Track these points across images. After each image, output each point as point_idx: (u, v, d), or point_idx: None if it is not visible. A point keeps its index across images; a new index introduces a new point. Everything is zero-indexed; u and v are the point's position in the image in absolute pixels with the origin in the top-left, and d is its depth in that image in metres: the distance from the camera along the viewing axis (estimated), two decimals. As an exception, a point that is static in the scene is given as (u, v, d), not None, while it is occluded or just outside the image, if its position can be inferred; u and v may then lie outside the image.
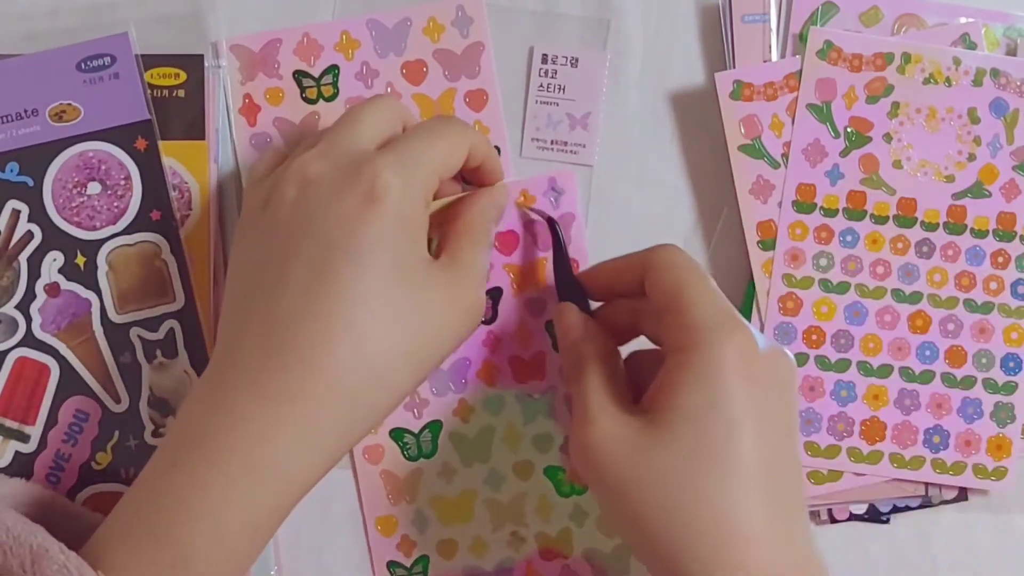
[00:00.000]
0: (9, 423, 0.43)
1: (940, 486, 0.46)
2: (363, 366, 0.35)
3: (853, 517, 0.46)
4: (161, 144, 0.44)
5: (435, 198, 0.40)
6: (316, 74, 0.46)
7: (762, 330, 0.46)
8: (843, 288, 0.46)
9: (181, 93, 0.44)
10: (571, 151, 0.46)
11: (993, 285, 0.46)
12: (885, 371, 0.46)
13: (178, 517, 0.33)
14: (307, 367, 0.34)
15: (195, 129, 0.44)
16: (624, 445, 0.35)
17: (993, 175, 0.46)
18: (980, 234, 0.46)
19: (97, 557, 0.33)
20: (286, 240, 0.36)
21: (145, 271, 0.44)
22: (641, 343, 0.41)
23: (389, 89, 0.46)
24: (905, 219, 0.46)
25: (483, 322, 0.45)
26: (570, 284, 0.42)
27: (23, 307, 0.43)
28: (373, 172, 0.36)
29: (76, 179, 0.44)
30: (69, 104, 0.44)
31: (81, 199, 0.44)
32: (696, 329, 0.35)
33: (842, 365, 0.46)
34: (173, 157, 0.44)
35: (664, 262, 0.37)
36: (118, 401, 0.44)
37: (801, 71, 0.46)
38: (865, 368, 0.46)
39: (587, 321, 0.40)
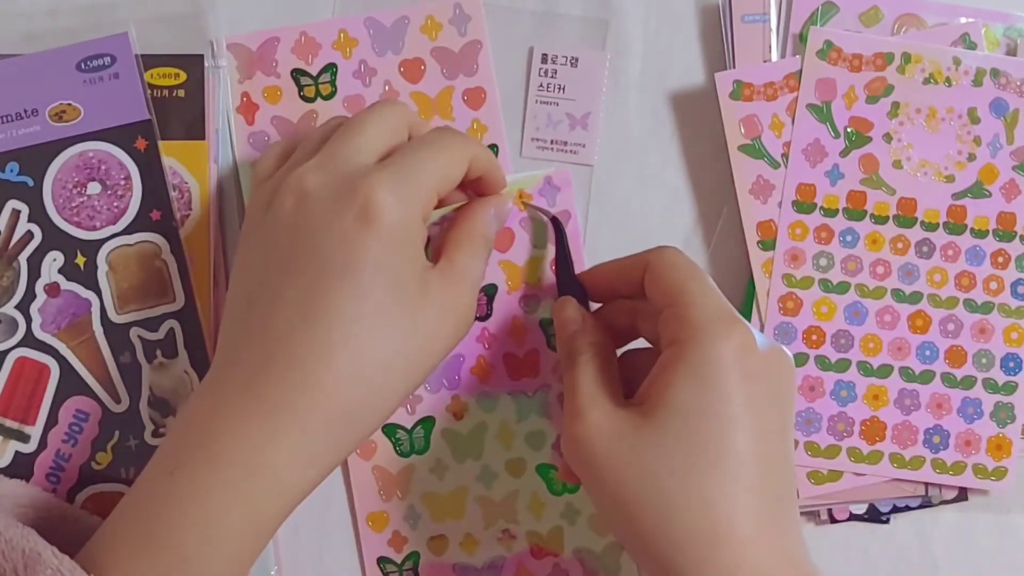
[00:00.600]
0: (9, 423, 0.43)
1: (940, 486, 0.46)
2: (359, 381, 0.35)
3: (853, 517, 0.46)
4: (161, 144, 0.44)
5: (437, 206, 0.40)
6: (314, 72, 0.46)
7: (762, 330, 0.46)
8: (843, 288, 0.46)
9: (181, 93, 0.44)
10: (571, 151, 0.46)
11: (993, 285, 0.46)
12: (885, 371, 0.46)
13: (176, 522, 0.33)
14: (304, 382, 0.34)
15: (195, 129, 0.44)
16: (615, 439, 0.35)
17: (993, 175, 0.46)
18: (980, 234, 0.46)
19: (94, 561, 0.33)
20: (285, 252, 0.36)
21: (145, 271, 0.44)
22: (639, 344, 0.41)
23: (387, 88, 0.46)
24: (905, 219, 0.46)
25: (478, 319, 0.45)
26: (571, 282, 0.42)
27: (23, 307, 0.43)
28: (368, 190, 0.35)
29: (76, 179, 0.44)
30: (69, 104, 0.44)
31: (81, 199, 0.44)
32: (695, 324, 0.35)
33: (842, 365, 0.46)
34: (173, 157, 0.44)
35: (664, 263, 0.38)
36: (118, 401, 0.44)
37: (801, 71, 0.46)
38: (865, 368, 0.46)
39: (585, 316, 0.40)
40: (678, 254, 0.38)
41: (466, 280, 0.39)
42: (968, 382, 0.46)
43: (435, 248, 0.41)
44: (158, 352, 0.44)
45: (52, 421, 0.43)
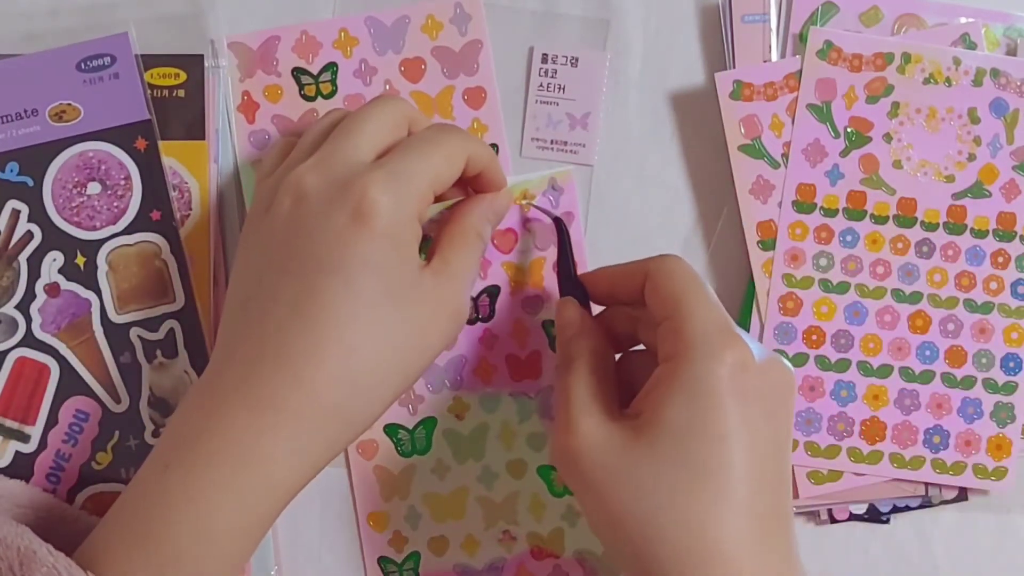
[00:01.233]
0: (9, 423, 0.43)
1: (940, 486, 0.46)
2: (350, 381, 0.35)
3: (853, 517, 0.46)
4: (161, 144, 0.44)
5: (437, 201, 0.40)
6: (315, 71, 0.46)
7: (762, 330, 0.46)
8: (843, 288, 0.46)
9: (181, 93, 0.44)
10: (571, 151, 0.46)
11: (993, 285, 0.46)
12: (885, 371, 0.46)
13: (169, 519, 0.33)
14: (296, 381, 0.35)
15: (195, 129, 0.44)
16: (606, 453, 0.34)
17: (993, 175, 0.46)
18: (980, 234, 0.46)
19: (89, 558, 0.33)
20: (282, 251, 0.36)
21: (145, 271, 0.44)
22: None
23: (387, 87, 0.46)
24: (905, 219, 0.46)
25: (480, 320, 0.45)
26: (573, 284, 0.42)
27: (23, 307, 0.43)
28: (362, 189, 0.35)
29: (76, 179, 0.44)
30: (69, 104, 0.44)
31: (81, 199, 0.44)
32: (690, 340, 0.34)
33: (842, 365, 0.46)
34: (173, 157, 0.44)
35: (665, 271, 0.37)
36: (118, 401, 0.44)
37: (801, 71, 0.46)
38: (865, 368, 0.46)
39: (585, 318, 0.40)
40: (678, 263, 0.37)
41: (459, 278, 0.39)
42: (968, 382, 0.46)
43: (432, 245, 0.41)
44: (158, 352, 0.44)
45: (52, 421, 0.43)
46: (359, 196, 0.35)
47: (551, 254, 0.46)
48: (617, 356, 0.41)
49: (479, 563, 0.45)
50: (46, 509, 0.40)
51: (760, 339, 0.46)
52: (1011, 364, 0.46)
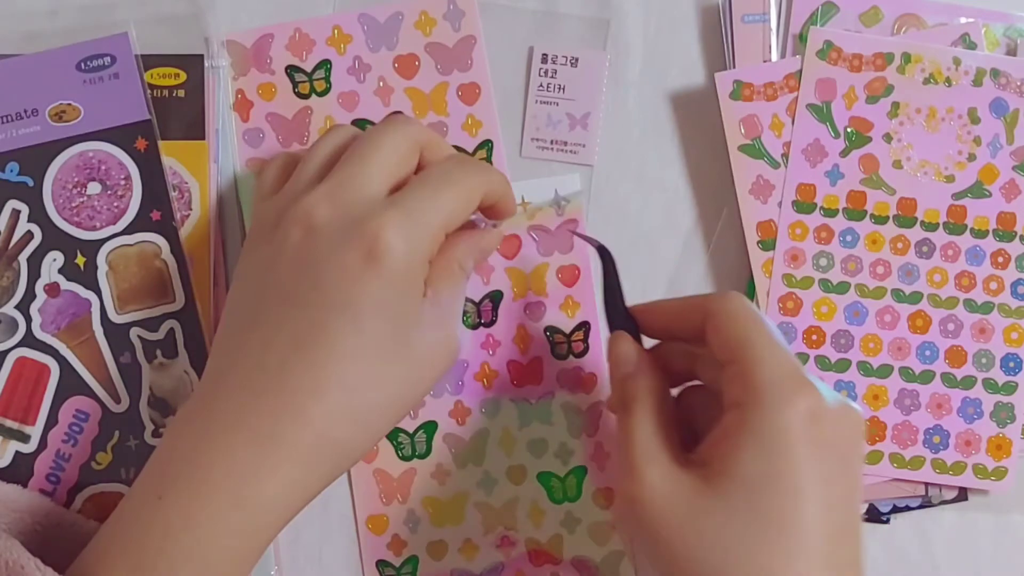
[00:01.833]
0: (9, 423, 0.43)
1: (940, 486, 0.46)
2: (351, 417, 0.35)
3: (853, 517, 0.46)
4: (161, 144, 0.44)
5: None
6: (308, 69, 0.46)
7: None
8: (843, 288, 0.46)
9: (181, 93, 0.44)
10: (571, 151, 0.46)
11: (993, 285, 0.46)
12: (885, 371, 0.46)
13: (166, 549, 0.33)
14: (298, 416, 0.34)
15: (195, 129, 0.44)
16: (676, 504, 0.33)
17: (993, 175, 0.46)
18: (980, 234, 0.46)
19: None
20: (287, 283, 0.36)
21: (145, 271, 0.44)
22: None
23: (381, 83, 0.46)
24: (905, 219, 0.46)
25: (483, 325, 0.45)
26: (623, 317, 0.40)
27: (23, 307, 0.43)
28: (377, 230, 0.35)
29: (76, 179, 0.44)
30: (69, 104, 0.44)
31: (81, 199, 0.44)
32: (760, 387, 0.33)
33: (842, 365, 0.46)
34: (173, 157, 0.44)
35: (729, 312, 0.35)
36: (118, 401, 0.44)
37: (801, 71, 0.46)
38: (865, 368, 0.46)
39: (642, 355, 0.38)
40: (742, 303, 0.36)
41: (452, 313, 0.39)
42: (968, 382, 0.46)
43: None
44: (158, 352, 0.44)
45: (52, 421, 0.43)
46: (373, 237, 0.35)
47: (555, 260, 0.46)
48: (674, 391, 0.39)
49: (477, 568, 0.45)
50: (43, 514, 0.40)
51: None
52: (1011, 364, 0.46)
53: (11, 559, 0.33)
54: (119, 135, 0.44)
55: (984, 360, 0.46)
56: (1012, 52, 0.46)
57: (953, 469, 0.46)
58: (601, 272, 0.41)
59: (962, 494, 0.47)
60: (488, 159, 0.46)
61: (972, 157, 0.46)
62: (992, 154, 0.46)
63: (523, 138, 0.47)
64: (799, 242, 0.46)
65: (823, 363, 0.46)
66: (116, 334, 0.44)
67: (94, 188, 0.44)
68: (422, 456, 0.45)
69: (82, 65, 0.44)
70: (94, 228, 0.44)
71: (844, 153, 0.46)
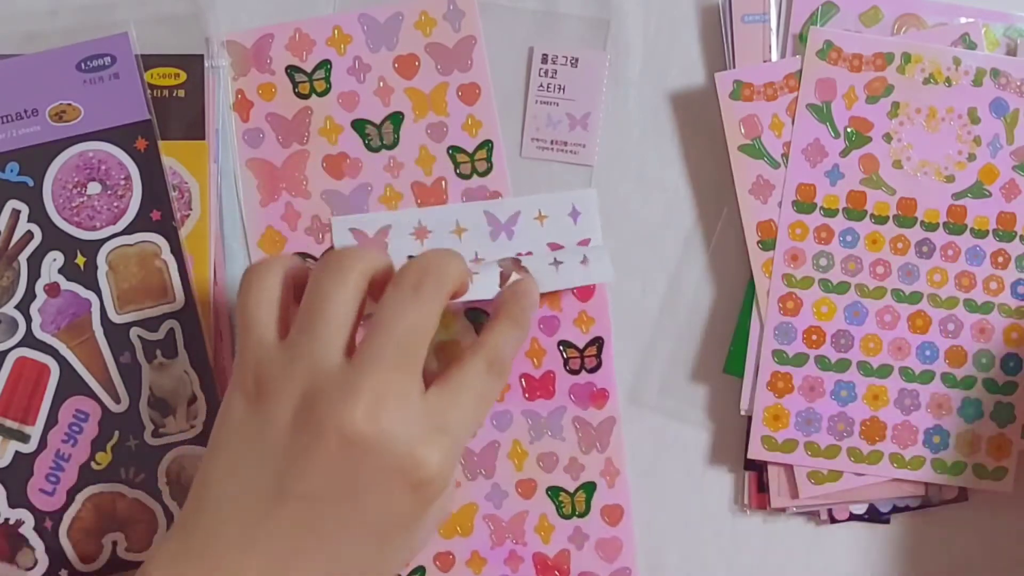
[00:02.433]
0: (9, 423, 0.43)
1: (940, 486, 0.46)
2: None
3: (853, 517, 0.46)
4: (161, 144, 0.44)
5: None
6: (308, 69, 0.46)
7: (762, 330, 0.46)
8: (843, 288, 0.46)
9: (181, 93, 0.44)
10: (571, 151, 0.46)
11: (993, 285, 0.46)
12: (885, 371, 0.46)
13: None
14: None
15: (195, 129, 0.44)
16: None
17: (993, 175, 0.46)
18: (980, 234, 0.46)
19: None
20: (316, 492, 0.34)
21: (145, 271, 0.44)
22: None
23: (381, 83, 0.46)
24: (905, 219, 0.46)
25: None
26: None
27: (23, 307, 0.43)
28: (423, 460, 0.35)
29: (76, 179, 0.44)
30: (69, 104, 0.44)
31: (81, 199, 0.44)
32: None
33: (842, 365, 0.46)
34: (173, 157, 0.44)
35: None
36: (118, 401, 0.44)
37: (801, 71, 0.46)
38: (865, 368, 0.46)
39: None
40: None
41: (449, 488, 0.38)
42: (968, 382, 0.46)
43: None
44: (158, 352, 0.44)
45: (52, 421, 0.43)
46: (419, 467, 0.35)
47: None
48: None
49: None
50: None
51: (760, 339, 0.46)
52: (1011, 364, 0.46)
53: None
54: (119, 135, 0.44)
55: (984, 360, 0.46)
56: (1012, 52, 0.46)
57: (953, 469, 0.46)
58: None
59: (962, 494, 0.46)
60: (488, 159, 0.46)
61: (972, 157, 0.46)
62: (992, 154, 0.46)
63: (523, 138, 0.47)
64: (799, 242, 0.46)
65: (823, 363, 0.46)
66: (116, 334, 0.44)
67: (94, 188, 0.44)
68: None
69: (82, 65, 0.44)
70: (94, 228, 0.44)
71: (844, 153, 0.46)
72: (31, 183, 0.44)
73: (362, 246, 0.41)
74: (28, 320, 0.43)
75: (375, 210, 0.46)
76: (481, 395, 0.37)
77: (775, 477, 0.46)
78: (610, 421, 0.45)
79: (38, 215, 0.44)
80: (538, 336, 0.46)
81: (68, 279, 0.44)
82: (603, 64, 0.47)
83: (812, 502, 0.46)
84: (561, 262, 0.44)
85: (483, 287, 0.41)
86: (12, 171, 0.44)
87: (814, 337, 0.46)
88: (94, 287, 0.44)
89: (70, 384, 0.43)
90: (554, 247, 0.45)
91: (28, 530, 0.43)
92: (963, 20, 0.46)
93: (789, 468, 0.46)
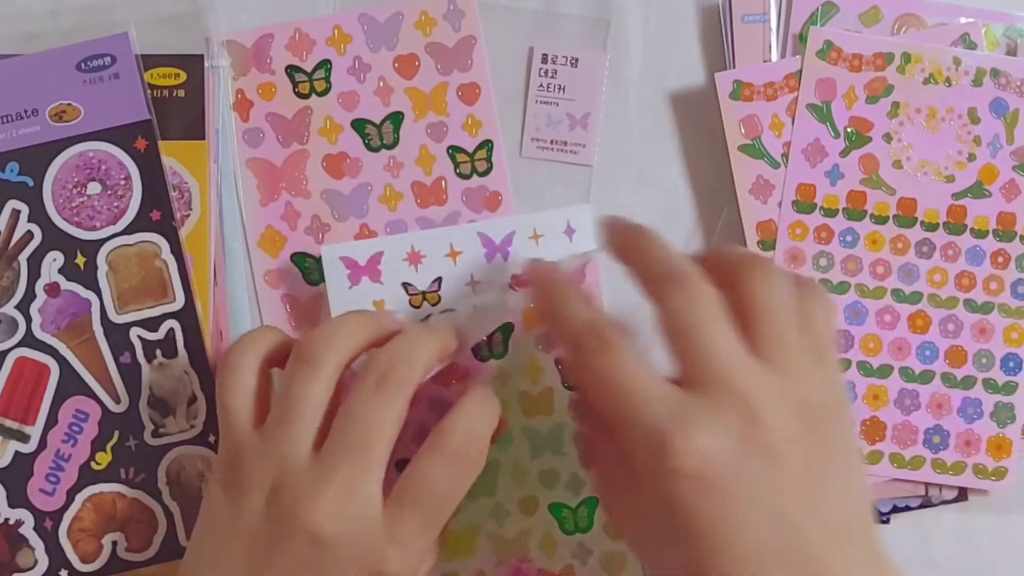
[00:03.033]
0: (9, 423, 0.43)
1: (940, 486, 0.46)
2: None
3: (853, 517, 0.46)
4: (161, 144, 0.44)
5: None
6: (308, 69, 0.46)
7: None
8: (843, 288, 0.46)
9: (181, 93, 0.44)
10: (571, 151, 0.46)
11: (993, 285, 0.46)
12: (885, 371, 0.46)
13: None
14: None
15: (195, 129, 0.44)
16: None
17: (993, 175, 0.46)
18: (980, 234, 0.46)
19: None
20: (252, 556, 0.35)
21: (145, 271, 0.44)
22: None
23: (381, 83, 0.46)
24: (905, 219, 0.46)
25: (493, 356, 0.45)
26: None
27: (23, 307, 0.43)
28: (382, 563, 0.35)
29: (76, 179, 0.44)
30: (69, 104, 0.44)
31: (81, 199, 0.44)
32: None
33: (842, 365, 0.46)
34: (173, 157, 0.44)
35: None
36: (118, 401, 0.44)
37: (801, 71, 0.46)
38: (865, 368, 0.46)
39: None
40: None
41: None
42: (968, 382, 0.46)
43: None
44: (158, 352, 0.44)
45: (52, 421, 0.43)
46: (379, 567, 0.35)
47: None
48: None
49: None
50: None
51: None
52: (1011, 364, 0.46)
53: None
54: (119, 135, 0.44)
55: (984, 360, 0.46)
56: (1012, 52, 0.46)
57: (953, 469, 0.46)
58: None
59: (962, 494, 0.47)
60: (488, 159, 0.46)
61: (972, 157, 0.46)
62: (992, 154, 0.46)
63: (523, 138, 0.47)
64: (799, 242, 0.46)
65: (823, 363, 0.46)
66: (116, 334, 0.44)
67: (94, 188, 0.44)
68: None
69: (82, 65, 0.44)
70: (94, 228, 0.44)
71: (844, 153, 0.46)
72: (31, 183, 0.44)
73: (344, 319, 0.38)
74: (28, 320, 0.43)
75: (375, 210, 0.46)
76: (445, 492, 0.36)
77: (775, 477, 0.46)
78: None
79: (38, 215, 0.44)
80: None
81: (68, 279, 0.44)
82: (603, 64, 0.47)
83: (812, 502, 0.46)
84: (541, 235, 0.43)
85: (491, 318, 0.41)
86: (12, 171, 0.44)
87: (814, 337, 0.46)
88: (94, 287, 0.44)
89: (70, 384, 0.43)
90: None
91: (28, 530, 0.43)
92: (963, 20, 0.46)
93: (789, 468, 0.46)
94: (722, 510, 0.31)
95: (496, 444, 0.42)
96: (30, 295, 0.43)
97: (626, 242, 0.37)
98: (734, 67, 0.46)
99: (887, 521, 0.46)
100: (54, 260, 0.44)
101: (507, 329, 0.45)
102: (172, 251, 0.44)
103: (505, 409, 0.42)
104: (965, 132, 0.46)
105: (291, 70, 0.46)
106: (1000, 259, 0.46)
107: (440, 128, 0.46)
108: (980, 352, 0.46)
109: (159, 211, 0.44)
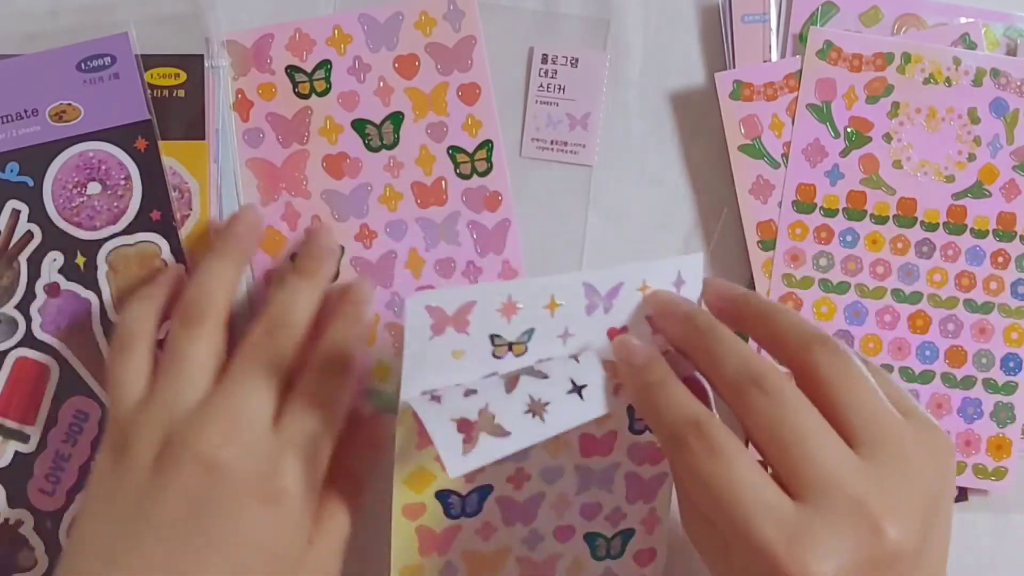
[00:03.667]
0: (9, 423, 0.43)
1: (940, 486, 0.46)
2: None
3: (853, 517, 0.46)
4: (161, 144, 0.44)
5: None
6: (308, 69, 0.46)
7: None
8: (843, 288, 0.46)
9: (181, 93, 0.44)
10: (571, 151, 0.46)
11: (993, 285, 0.46)
12: (885, 371, 0.46)
13: None
14: None
15: (195, 129, 0.44)
16: None
17: (993, 175, 0.46)
18: (980, 234, 0.46)
19: None
20: (173, 521, 0.35)
21: (145, 271, 0.44)
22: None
23: (381, 84, 0.46)
24: (905, 219, 0.46)
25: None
26: None
27: (23, 307, 0.43)
28: (277, 475, 0.36)
29: (76, 179, 0.44)
30: (69, 104, 0.44)
31: (81, 199, 0.44)
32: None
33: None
34: (173, 157, 0.44)
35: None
36: (118, 401, 0.44)
37: (801, 71, 0.46)
38: (865, 368, 0.46)
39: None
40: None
41: (340, 544, 0.39)
42: (968, 382, 0.46)
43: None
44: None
45: (52, 421, 0.43)
46: (273, 482, 0.36)
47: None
48: None
49: None
50: None
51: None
52: (1011, 364, 0.46)
53: None
54: (119, 135, 0.44)
55: (984, 360, 0.46)
56: (1012, 52, 0.46)
57: (953, 469, 0.46)
58: None
59: (962, 494, 0.46)
60: (488, 159, 0.46)
61: (972, 157, 0.46)
62: (992, 154, 0.46)
63: (523, 138, 0.47)
64: (799, 242, 0.46)
65: (823, 363, 0.46)
66: (116, 334, 0.44)
67: (94, 188, 0.44)
68: (471, 515, 0.42)
69: (82, 65, 0.44)
70: (94, 228, 0.44)
71: (844, 153, 0.46)
72: (31, 183, 0.44)
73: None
74: (28, 320, 0.43)
75: (375, 210, 0.46)
76: (326, 399, 0.38)
77: (775, 477, 0.46)
78: (663, 476, 0.42)
79: (38, 215, 0.44)
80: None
81: (68, 279, 0.44)
82: (603, 64, 0.47)
83: (812, 502, 0.46)
84: (649, 287, 0.38)
85: (593, 404, 0.36)
86: (12, 171, 0.44)
87: (814, 337, 0.46)
88: (94, 287, 0.44)
89: (70, 384, 0.43)
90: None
91: (28, 530, 0.43)
92: (963, 20, 0.46)
93: (789, 468, 0.46)
94: None
95: (544, 479, 0.41)
96: (30, 295, 0.43)
97: (692, 338, 0.35)
98: (734, 67, 0.46)
99: (887, 521, 0.46)
100: (54, 260, 0.44)
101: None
102: (172, 251, 0.44)
103: (562, 448, 0.41)
104: (965, 132, 0.46)
105: (291, 70, 0.46)
106: (1000, 259, 0.46)
107: (440, 128, 0.46)
108: (980, 352, 0.46)
109: (159, 211, 0.44)
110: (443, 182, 0.46)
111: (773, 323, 0.34)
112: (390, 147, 0.46)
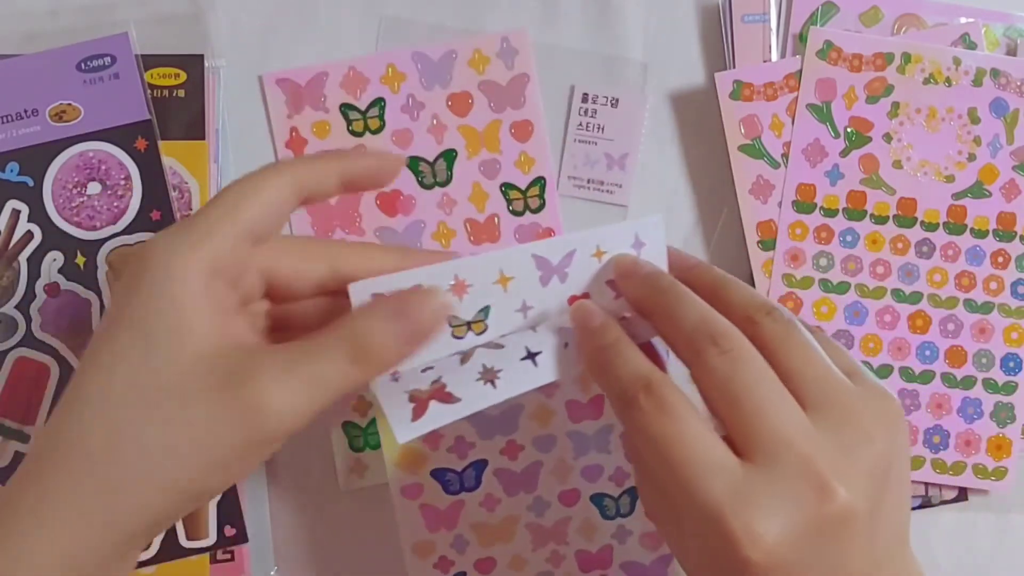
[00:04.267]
0: (9, 423, 0.43)
1: (940, 486, 0.46)
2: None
3: (853, 517, 0.46)
4: (161, 144, 0.44)
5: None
6: (362, 107, 0.46)
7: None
8: (843, 288, 0.46)
9: (181, 93, 0.44)
10: (607, 191, 0.46)
11: (993, 285, 0.46)
12: (885, 371, 0.46)
13: None
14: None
15: (195, 129, 0.44)
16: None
17: (993, 175, 0.46)
18: (980, 234, 0.46)
19: None
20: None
21: (145, 271, 0.44)
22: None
23: (435, 121, 0.46)
24: (905, 219, 0.46)
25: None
26: None
27: (23, 307, 0.43)
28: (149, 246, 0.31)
29: (76, 179, 0.44)
30: (69, 104, 0.44)
31: (81, 199, 0.44)
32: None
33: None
34: (173, 157, 0.44)
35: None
36: (118, 401, 0.44)
37: (801, 71, 0.46)
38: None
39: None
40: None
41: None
42: (968, 382, 0.46)
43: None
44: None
45: (52, 421, 0.43)
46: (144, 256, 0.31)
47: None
48: None
49: None
50: None
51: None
52: (1011, 364, 0.46)
53: None
54: (119, 135, 0.44)
55: (984, 360, 0.46)
56: (1012, 52, 0.46)
57: (953, 469, 0.46)
58: None
59: (962, 494, 0.47)
60: (541, 196, 0.46)
61: (972, 157, 0.46)
62: (992, 154, 0.46)
63: (560, 176, 0.46)
64: (799, 242, 0.46)
65: (823, 363, 0.46)
66: (116, 334, 0.44)
67: (94, 188, 0.44)
68: (471, 489, 0.43)
69: (82, 65, 0.44)
70: (94, 228, 0.44)
71: (844, 153, 0.46)
72: (31, 183, 0.44)
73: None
74: (28, 320, 0.43)
75: (428, 247, 0.45)
76: (338, 389, 0.31)
77: (775, 477, 0.46)
78: None
79: (38, 215, 0.44)
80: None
81: (68, 279, 0.44)
82: (643, 106, 0.46)
83: (812, 502, 0.46)
84: (604, 252, 0.36)
85: (546, 369, 0.35)
86: (12, 171, 0.44)
87: (814, 337, 0.46)
88: (94, 287, 0.44)
89: (70, 384, 0.43)
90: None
91: (28, 530, 0.43)
92: (963, 20, 0.46)
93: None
94: None
95: (538, 447, 0.43)
96: (30, 295, 0.43)
97: (652, 298, 0.34)
98: (734, 67, 0.46)
99: (887, 521, 0.46)
100: (54, 260, 0.44)
101: None
102: (172, 251, 0.44)
103: (551, 417, 0.42)
104: (965, 132, 0.46)
105: (345, 108, 0.46)
106: (1000, 259, 0.46)
107: (493, 165, 0.46)
108: (980, 352, 0.46)
109: (159, 211, 0.44)
110: (496, 219, 0.46)
111: (724, 293, 0.34)
112: (443, 184, 0.46)
